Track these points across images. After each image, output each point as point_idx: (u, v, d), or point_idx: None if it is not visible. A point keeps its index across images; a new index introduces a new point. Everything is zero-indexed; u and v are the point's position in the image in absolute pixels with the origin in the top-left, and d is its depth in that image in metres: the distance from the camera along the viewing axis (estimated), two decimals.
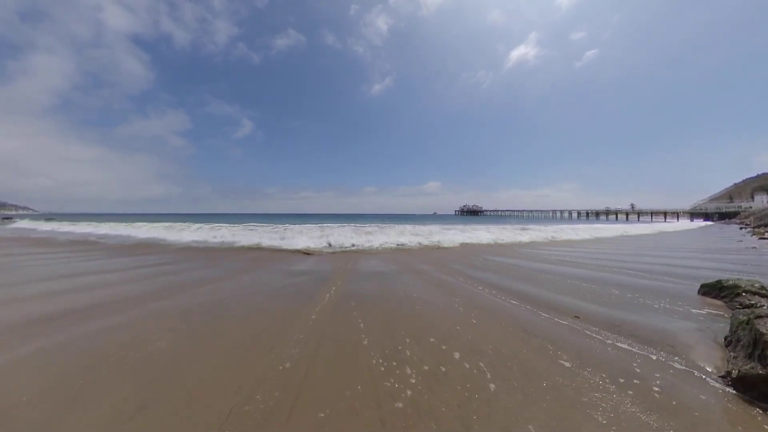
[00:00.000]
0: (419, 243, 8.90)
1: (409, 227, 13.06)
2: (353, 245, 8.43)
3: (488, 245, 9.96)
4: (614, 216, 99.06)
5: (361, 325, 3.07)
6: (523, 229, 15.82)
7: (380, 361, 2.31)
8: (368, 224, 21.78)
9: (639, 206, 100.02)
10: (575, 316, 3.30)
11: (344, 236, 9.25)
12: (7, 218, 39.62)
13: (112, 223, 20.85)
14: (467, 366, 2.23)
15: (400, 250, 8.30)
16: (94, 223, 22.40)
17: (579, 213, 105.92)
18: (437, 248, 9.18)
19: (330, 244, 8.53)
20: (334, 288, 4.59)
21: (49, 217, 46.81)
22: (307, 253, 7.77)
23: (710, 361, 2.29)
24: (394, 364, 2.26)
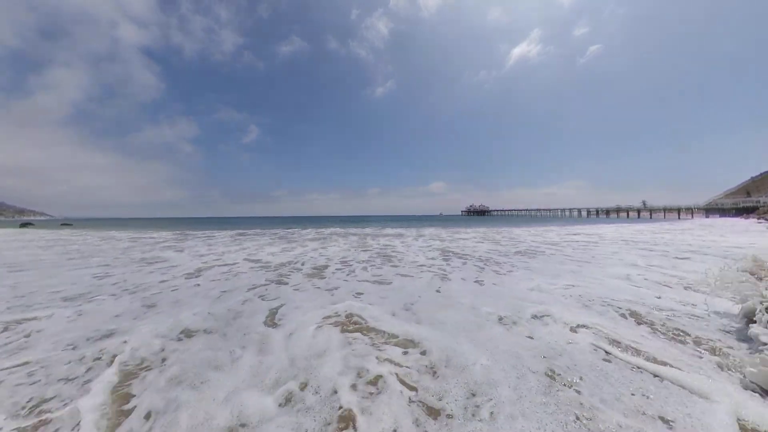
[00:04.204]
0: None
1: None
2: None
3: None
4: (625, 214, 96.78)
5: None
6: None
7: None
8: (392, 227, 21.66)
9: (651, 203, 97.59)
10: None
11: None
12: (27, 224, 41.08)
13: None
14: None
15: None
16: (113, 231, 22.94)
17: (589, 211, 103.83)
18: None
19: None
20: None
21: (65, 223, 48.30)
22: None
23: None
24: None
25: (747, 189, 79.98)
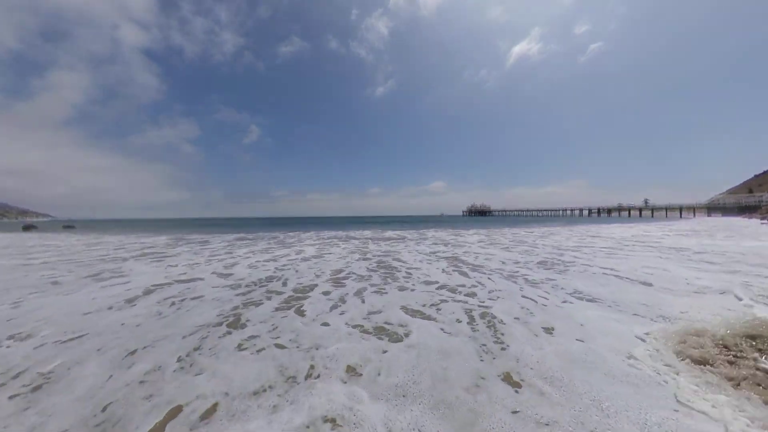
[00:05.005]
0: None
1: None
2: None
3: None
4: (627, 213, 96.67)
5: None
6: None
7: None
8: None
9: (653, 202, 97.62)
10: None
11: None
12: (30, 227, 38.47)
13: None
14: None
15: None
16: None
17: (590, 210, 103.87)
18: None
19: None
20: None
21: (67, 225, 45.59)
22: None
23: None
24: None
25: (749, 186, 79.29)
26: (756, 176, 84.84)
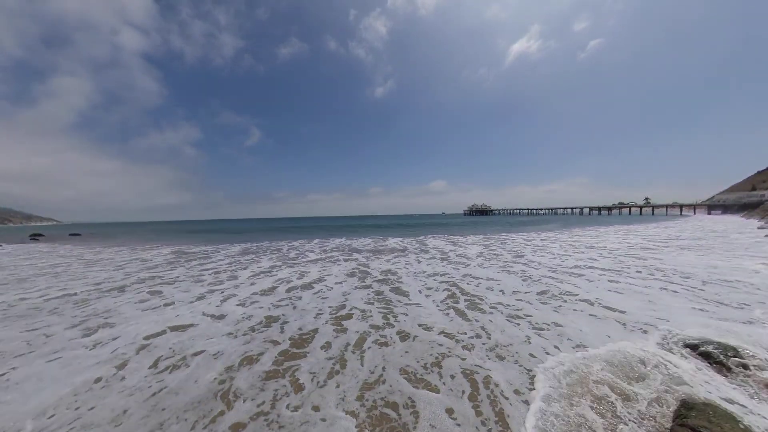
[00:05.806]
0: None
1: None
2: None
3: None
4: (627, 210, 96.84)
5: None
6: None
7: None
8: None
9: (655, 200, 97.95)
10: None
11: None
12: (37, 235, 37.84)
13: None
14: None
15: None
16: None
17: (591, 209, 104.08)
18: None
19: None
20: None
21: (73, 233, 44.67)
22: None
23: None
24: None
25: (752, 183, 78.81)
26: (759, 172, 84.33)
